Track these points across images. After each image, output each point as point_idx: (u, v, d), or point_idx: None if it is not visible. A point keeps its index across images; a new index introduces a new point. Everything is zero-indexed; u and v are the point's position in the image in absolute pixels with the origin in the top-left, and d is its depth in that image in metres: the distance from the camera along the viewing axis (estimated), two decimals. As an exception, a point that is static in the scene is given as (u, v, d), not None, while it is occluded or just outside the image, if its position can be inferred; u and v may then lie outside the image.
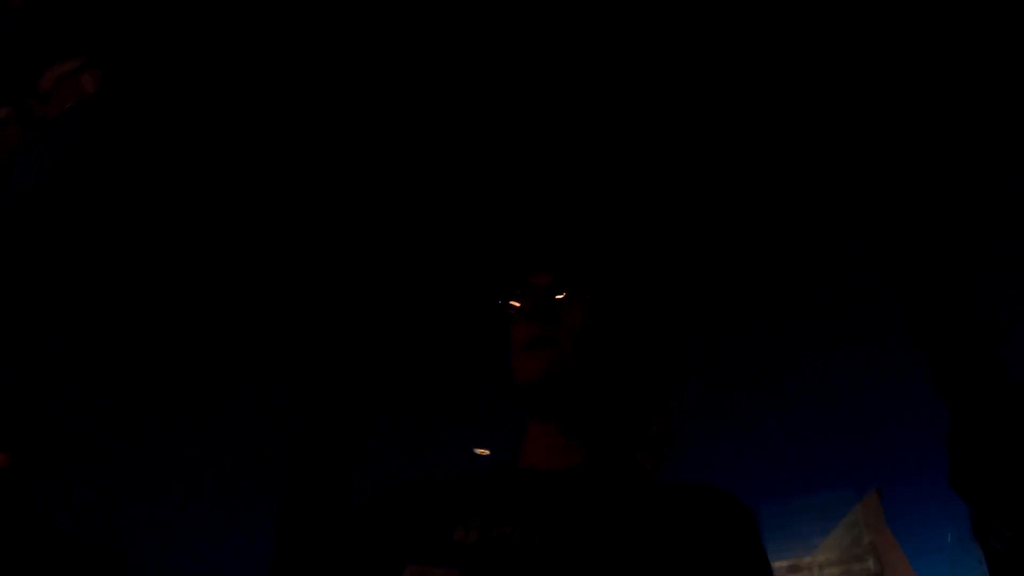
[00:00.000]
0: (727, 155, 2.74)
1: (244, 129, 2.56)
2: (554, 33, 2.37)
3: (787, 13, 2.39)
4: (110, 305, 3.03)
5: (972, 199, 2.89)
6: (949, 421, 2.58)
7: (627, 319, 1.11)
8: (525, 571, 0.82)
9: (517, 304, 1.07)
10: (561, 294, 1.06)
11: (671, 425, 1.14)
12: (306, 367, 3.06)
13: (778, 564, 8.90)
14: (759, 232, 2.88)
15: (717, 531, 0.87)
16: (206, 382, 3.71)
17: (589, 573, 0.79)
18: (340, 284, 2.98)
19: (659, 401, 1.13)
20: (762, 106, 2.59)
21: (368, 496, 1.07)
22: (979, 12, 2.47)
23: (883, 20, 2.45)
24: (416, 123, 2.60)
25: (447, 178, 2.73)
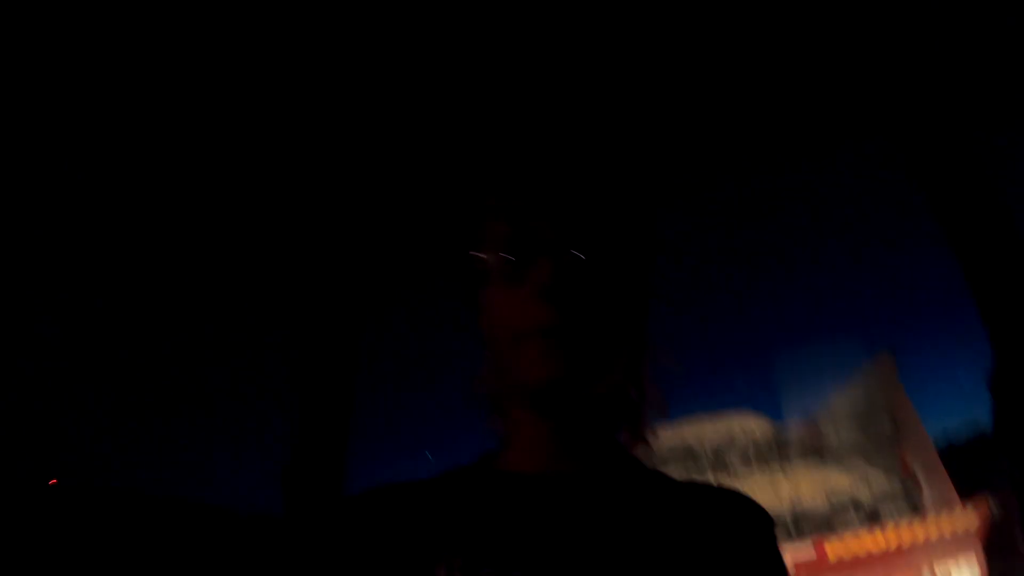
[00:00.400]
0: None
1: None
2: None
3: None
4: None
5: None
6: (993, 360, 2.19)
7: (643, 286, 0.84)
8: None
9: (503, 263, 0.79)
10: (570, 255, 0.77)
11: (655, 386, 0.89)
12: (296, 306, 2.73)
13: (795, 424, 8.93)
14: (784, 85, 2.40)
15: (735, 546, 0.73)
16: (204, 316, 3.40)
17: None
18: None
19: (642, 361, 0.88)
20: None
21: (344, 507, 0.90)
22: None
23: None
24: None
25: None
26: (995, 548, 6.06)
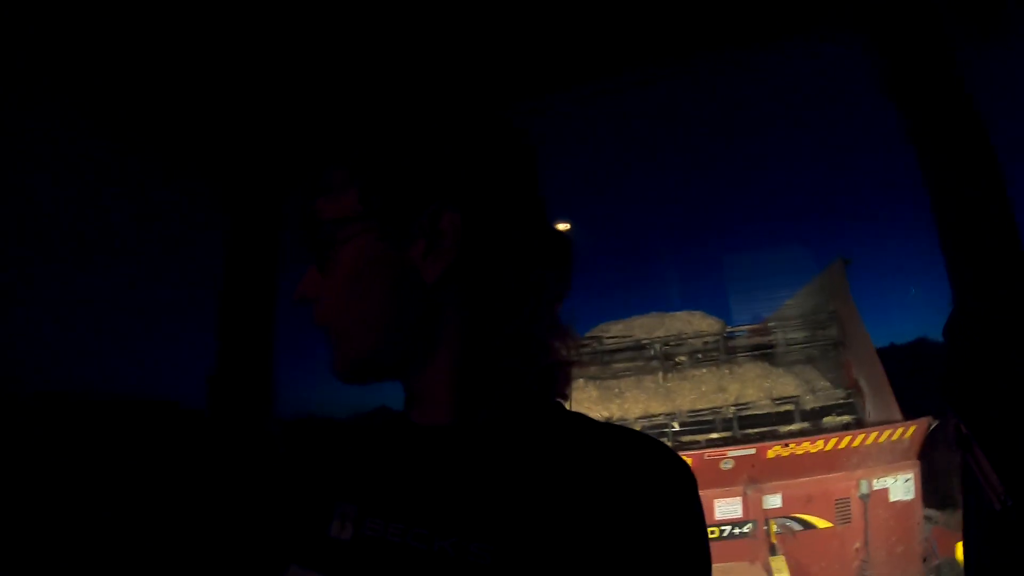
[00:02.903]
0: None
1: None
2: None
3: None
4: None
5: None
6: (952, 306, 1.96)
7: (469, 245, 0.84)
8: None
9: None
10: (325, 218, 0.86)
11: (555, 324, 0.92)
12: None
13: (746, 327, 8.97)
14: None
15: (640, 501, 0.72)
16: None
17: None
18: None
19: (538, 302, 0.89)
20: None
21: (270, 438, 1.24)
22: None
23: None
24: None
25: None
26: (931, 469, 6.12)
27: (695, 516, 0.77)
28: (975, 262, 1.86)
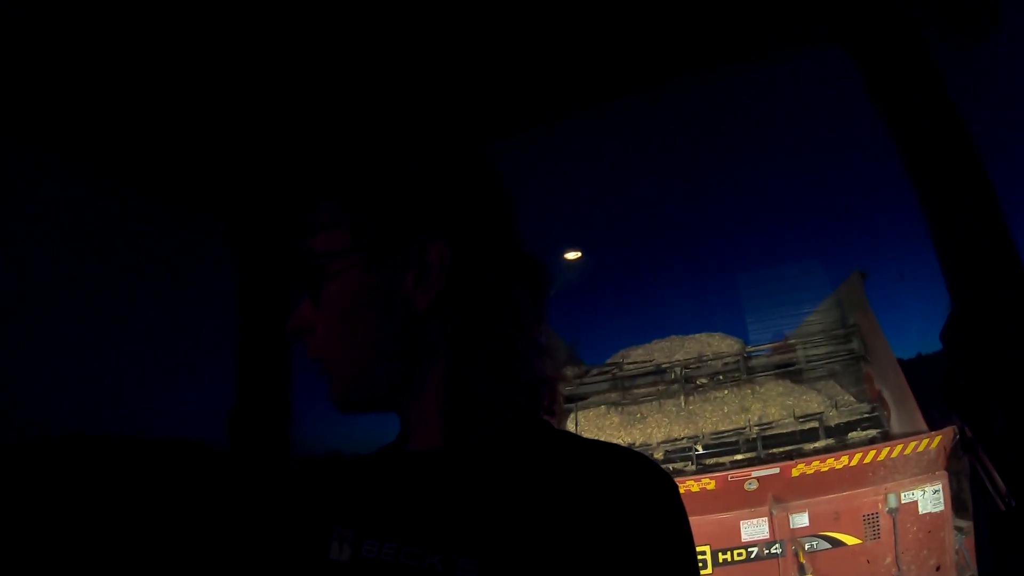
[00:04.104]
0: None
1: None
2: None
3: None
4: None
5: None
6: (950, 309, 1.95)
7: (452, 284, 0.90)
8: None
9: None
10: (318, 252, 0.90)
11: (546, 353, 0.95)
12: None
13: (766, 345, 8.89)
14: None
15: (626, 515, 0.75)
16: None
17: None
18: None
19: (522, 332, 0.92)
20: None
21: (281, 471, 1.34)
22: None
23: None
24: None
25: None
26: (959, 478, 6.02)
27: (679, 527, 0.78)
28: (968, 266, 1.86)
